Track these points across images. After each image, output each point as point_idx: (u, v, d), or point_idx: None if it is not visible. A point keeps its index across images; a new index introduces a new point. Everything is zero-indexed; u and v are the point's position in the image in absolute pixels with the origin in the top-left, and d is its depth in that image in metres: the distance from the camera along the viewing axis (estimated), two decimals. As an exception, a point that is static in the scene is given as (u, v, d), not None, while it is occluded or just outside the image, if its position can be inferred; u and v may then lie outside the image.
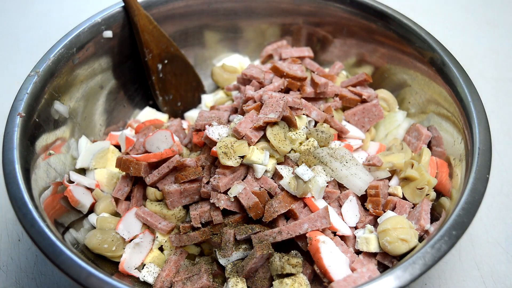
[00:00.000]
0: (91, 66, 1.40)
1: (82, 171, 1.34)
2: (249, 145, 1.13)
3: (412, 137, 1.36)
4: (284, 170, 1.14)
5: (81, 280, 0.92)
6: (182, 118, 1.64)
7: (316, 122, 1.28)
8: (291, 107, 1.22)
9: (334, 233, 1.14)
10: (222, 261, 1.13)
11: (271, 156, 1.16)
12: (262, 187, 1.13)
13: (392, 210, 1.20)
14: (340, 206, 1.18)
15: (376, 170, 1.25)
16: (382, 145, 1.38)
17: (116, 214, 1.28)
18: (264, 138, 1.16)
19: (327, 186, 1.15)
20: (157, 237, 1.20)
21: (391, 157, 1.26)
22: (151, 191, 1.22)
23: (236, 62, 1.68)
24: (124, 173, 1.27)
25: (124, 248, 1.19)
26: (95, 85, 1.44)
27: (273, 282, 1.06)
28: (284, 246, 1.14)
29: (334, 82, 1.45)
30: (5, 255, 1.35)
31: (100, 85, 1.47)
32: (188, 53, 1.63)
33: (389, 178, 1.28)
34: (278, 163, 1.18)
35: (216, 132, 1.18)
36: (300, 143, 1.18)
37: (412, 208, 1.20)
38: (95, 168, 1.34)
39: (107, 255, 1.18)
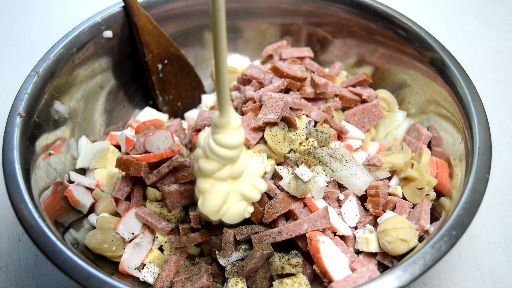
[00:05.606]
0: (91, 66, 1.40)
1: (82, 171, 1.34)
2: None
3: (412, 137, 1.36)
4: (283, 171, 1.14)
5: (81, 280, 0.92)
6: (182, 118, 1.64)
7: (316, 122, 1.28)
8: (291, 108, 1.22)
9: (334, 233, 1.13)
10: (222, 262, 1.13)
11: (269, 157, 1.16)
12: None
13: (392, 210, 1.20)
14: (340, 206, 1.18)
15: (376, 170, 1.25)
16: (382, 145, 1.38)
17: (116, 214, 1.28)
18: (263, 139, 1.16)
19: (327, 186, 1.15)
20: (157, 237, 1.20)
21: (391, 157, 1.26)
22: (151, 191, 1.22)
23: (236, 62, 1.67)
24: (124, 173, 1.27)
25: (124, 248, 1.19)
26: (95, 85, 1.44)
27: (273, 282, 1.06)
28: (284, 246, 1.14)
29: (334, 82, 1.45)
30: (5, 255, 1.35)
31: (100, 85, 1.47)
32: (188, 53, 1.63)
33: (389, 178, 1.28)
34: (278, 164, 1.17)
35: (216, 132, 1.18)
36: (300, 143, 1.18)
37: (412, 208, 1.20)
38: (95, 168, 1.34)
39: (107, 255, 1.18)
